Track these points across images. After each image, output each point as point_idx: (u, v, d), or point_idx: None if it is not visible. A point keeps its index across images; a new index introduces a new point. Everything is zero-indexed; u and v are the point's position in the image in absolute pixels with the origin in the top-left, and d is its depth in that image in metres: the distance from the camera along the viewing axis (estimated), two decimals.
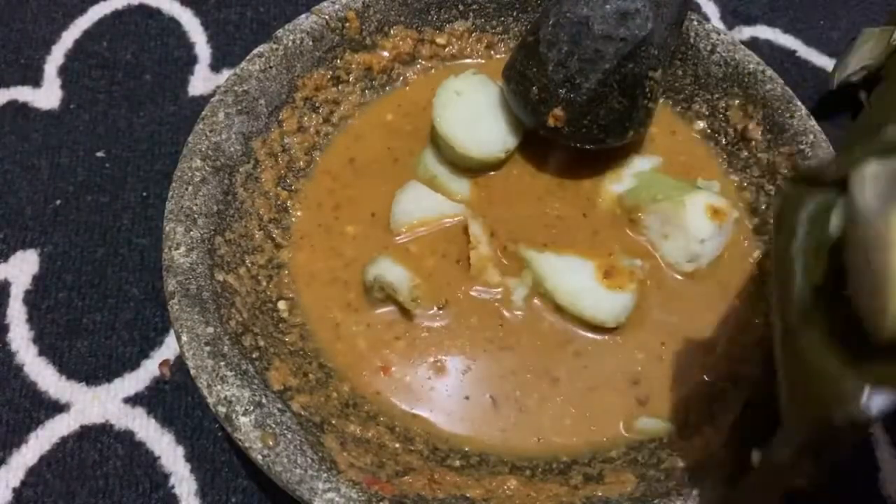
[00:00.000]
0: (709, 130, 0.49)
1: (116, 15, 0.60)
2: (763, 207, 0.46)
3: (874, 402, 0.24)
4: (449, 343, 0.42)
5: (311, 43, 0.48)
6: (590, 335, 0.42)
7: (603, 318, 0.41)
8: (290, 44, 0.47)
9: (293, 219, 0.46)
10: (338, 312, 0.43)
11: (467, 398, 0.40)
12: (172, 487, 0.42)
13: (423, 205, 0.45)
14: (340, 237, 0.45)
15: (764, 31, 0.62)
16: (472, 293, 0.43)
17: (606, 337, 0.42)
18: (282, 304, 0.43)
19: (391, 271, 0.42)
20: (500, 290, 0.43)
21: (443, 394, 0.40)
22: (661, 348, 0.41)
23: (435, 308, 0.43)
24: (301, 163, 0.47)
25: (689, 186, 0.45)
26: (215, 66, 0.58)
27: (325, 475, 0.34)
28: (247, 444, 0.35)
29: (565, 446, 0.39)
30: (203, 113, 0.44)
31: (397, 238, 0.45)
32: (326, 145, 0.49)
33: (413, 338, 0.42)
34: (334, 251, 0.45)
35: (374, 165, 0.48)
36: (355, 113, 0.50)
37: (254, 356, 0.38)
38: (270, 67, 0.46)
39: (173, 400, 0.45)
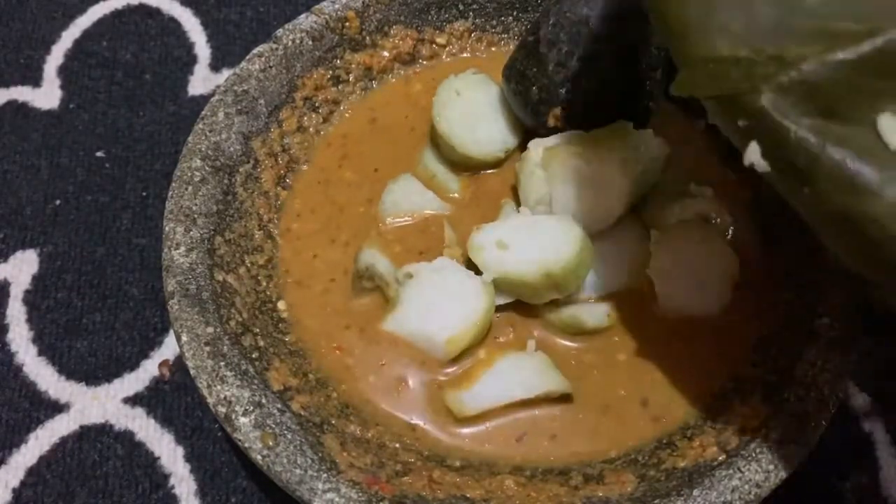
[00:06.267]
0: (709, 129, 0.49)
1: (116, 15, 0.60)
2: (763, 207, 0.46)
3: None
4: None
5: (310, 43, 0.48)
6: (580, 338, 0.42)
7: (584, 320, 0.41)
8: (290, 43, 0.47)
9: (291, 199, 0.47)
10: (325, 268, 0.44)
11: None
12: (172, 487, 0.42)
13: (413, 199, 0.46)
14: (338, 184, 0.47)
15: None
16: None
17: (597, 341, 0.42)
18: (282, 304, 0.43)
19: (381, 262, 0.42)
20: None
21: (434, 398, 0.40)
22: (657, 348, 0.41)
23: None
24: (301, 163, 0.48)
25: (681, 192, 0.45)
26: (215, 66, 0.58)
27: (325, 475, 0.34)
28: (246, 445, 0.35)
29: (563, 454, 0.39)
30: (203, 113, 0.44)
31: (381, 226, 0.45)
32: (353, 102, 0.50)
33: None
34: (328, 199, 0.46)
35: (394, 129, 0.49)
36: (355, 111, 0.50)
37: (254, 356, 0.38)
38: (270, 67, 0.46)
39: (173, 400, 0.45)
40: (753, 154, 0.28)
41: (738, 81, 0.27)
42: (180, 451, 0.43)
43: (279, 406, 0.36)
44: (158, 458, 0.43)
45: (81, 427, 0.44)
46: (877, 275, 0.27)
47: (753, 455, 0.35)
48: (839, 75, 0.26)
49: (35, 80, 0.57)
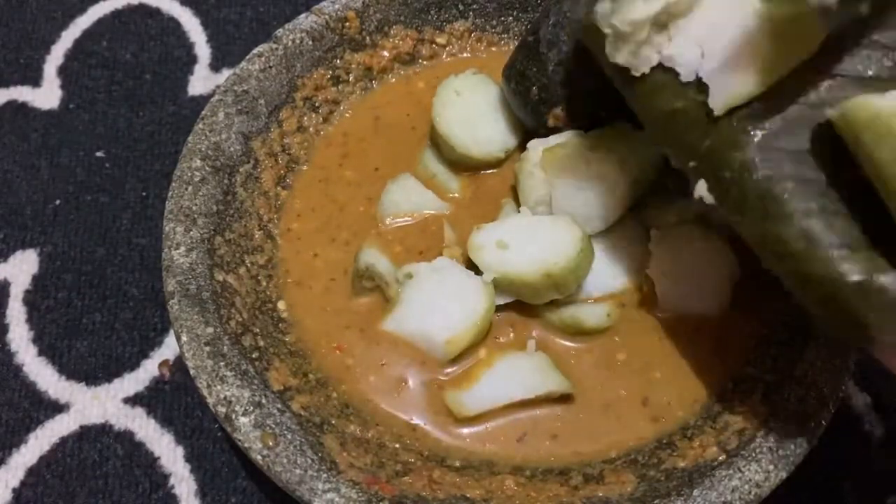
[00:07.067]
0: None
1: (116, 15, 0.60)
2: None
3: None
4: None
5: (310, 43, 0.48)
6: (580, 338, 0.42)
7: (584, 320, 0.41)
8: (290, 43, 0.47)
9: (291, 198, 0.47)
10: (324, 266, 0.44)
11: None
12: (172, 488, 0.42)
13: (413, 199, 0.46)
14: (338, 183, 0.47)
15: None
16: None
17: (597, 341, 0.42)
18: (282, 304, 0.43)
19: (381, 262, 0.42)
20: None
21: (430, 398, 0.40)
22: (657, 348, 0.41)
23: None
24: (301, 163, 0.48)
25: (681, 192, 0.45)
26: (215, 66, 0.58)
27: (325, 475, 0.34)
28: (246, 445, 0.35)
29: (564, 454, 0.39)
30: (203, 113, 0.44)
31: (381, 226, 0.45)
32: (354, 101, 0.50)
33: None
34: (328, 198, 0.46)
35: (394, 128, 0.49)
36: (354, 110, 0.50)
37: (254, 356, 0.38)
38: (270, 67, 0.46)
39: (173, 400, 0.45)
40: (701, 189, 0.33)
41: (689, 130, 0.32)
42: (180, 451, 0.43)
43: (279, 406, 0.36)
44: (158, 458, 0.43)
45: (81, 427, 0.44)
46: (795, 290, 0.31)
47: (753, 455, 0.35)
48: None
49: (35, 80, 0.57)
